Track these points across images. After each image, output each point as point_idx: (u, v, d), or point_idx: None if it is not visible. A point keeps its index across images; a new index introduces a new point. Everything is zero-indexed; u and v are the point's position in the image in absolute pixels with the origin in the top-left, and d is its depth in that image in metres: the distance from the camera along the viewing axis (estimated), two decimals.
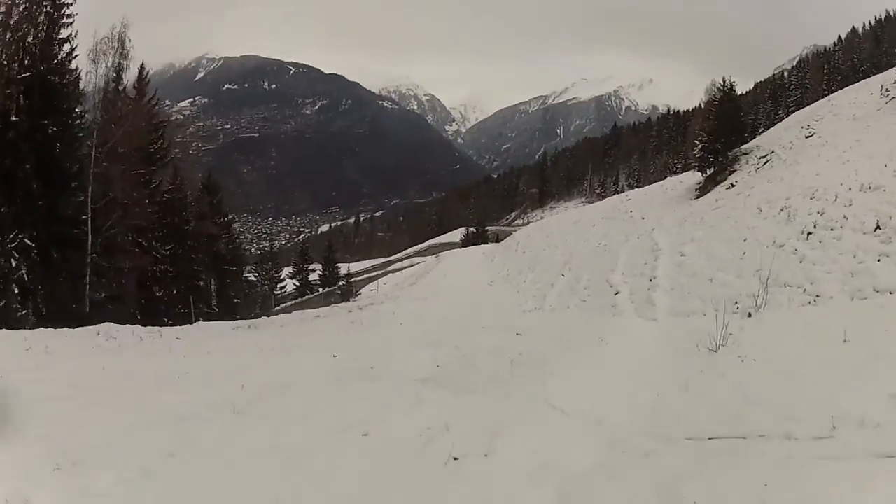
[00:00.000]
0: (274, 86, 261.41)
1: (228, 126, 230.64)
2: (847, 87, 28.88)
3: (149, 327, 10.43)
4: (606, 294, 11.52)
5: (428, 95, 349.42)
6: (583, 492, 3.38)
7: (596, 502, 3.28)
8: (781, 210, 11.34)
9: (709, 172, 23.79)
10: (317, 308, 18.36)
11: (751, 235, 10.91)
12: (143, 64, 19.62)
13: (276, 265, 37.78)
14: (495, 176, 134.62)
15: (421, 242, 60.82)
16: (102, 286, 14.99)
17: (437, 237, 61.74)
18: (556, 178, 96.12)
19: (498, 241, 36.66)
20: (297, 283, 38.18)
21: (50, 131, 14.18)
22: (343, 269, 39.96)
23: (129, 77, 18.44)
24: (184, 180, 21.63)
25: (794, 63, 74.61)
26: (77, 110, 15.69)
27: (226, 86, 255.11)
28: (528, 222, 59.92)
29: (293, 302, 33.05)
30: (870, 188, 10.00)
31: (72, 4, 15.28)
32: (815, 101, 33.02)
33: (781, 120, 36.37)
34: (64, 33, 15.27)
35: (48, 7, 15.03)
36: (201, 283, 21.36)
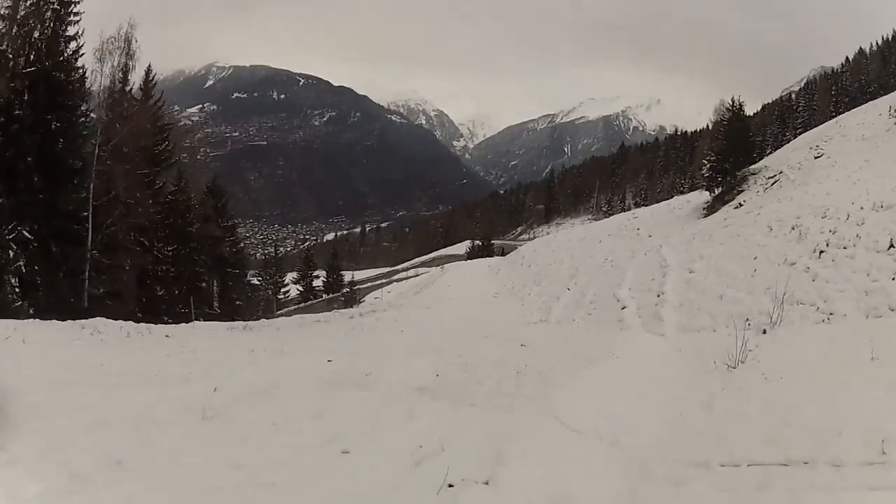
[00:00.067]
0: (283, 96, 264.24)
1: (237, 133, 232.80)
2: (855, 109, 28.86)
3: (140, 324, 10.17)
4: (613, 308, 11.32)
5: (436, 111, 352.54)
6: None
7: None
8: (792, 229, 11.17)
9: (717, 192, 23.68)
10: (319, 313, 18.12)
11: (761, 253, 10.72)
12: (149, 66, 19.81)
13: (280, 270, 37.67)
14: (502, 191, 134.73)
15: (426, 254, 60.74)
16: (102, 282, 14.84)
17: (443, 249, 61.72)
18: (563, 195, 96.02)
19: (503, 254, 36.52)
20: (300, 289, 38.08)
21: (53, 126, 14.11)
22: (347, 276, 39.84)
23: (136, 78, 18.61)
24: (189, 183, 21.58)
25: (802, 84, 74.73)
26: (82, 108, 15.64)
27: (235, 94, 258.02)
28: (534, 238, 59.72)
29: (296, 307, 32.89)
30: (882, 207, 9.94)
31: (79, 2, 15.33)
32: (822, 123, 32.98)
33: (789, 141, 36.29)
34: (70, 31, 15.26)
35: (55, 4, 15.07)
36: (203, 285, 21.21)
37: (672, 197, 41.71)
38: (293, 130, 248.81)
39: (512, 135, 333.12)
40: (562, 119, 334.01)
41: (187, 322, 13.91)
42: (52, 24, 14.86)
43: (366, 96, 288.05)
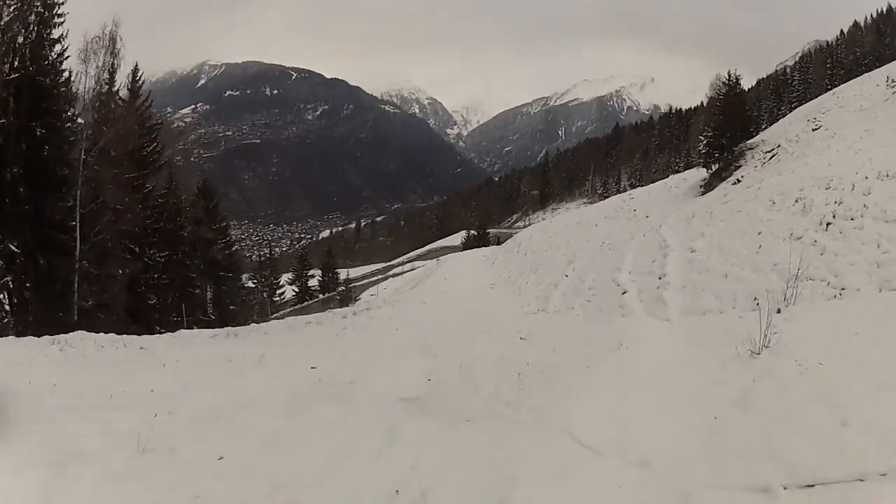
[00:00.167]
0: (275, 91, 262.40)
1: (230, 132, 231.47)
2: (851, 81, 28.45)
3: (118, 336, 9.65)
4: (613, 294, 11.00)
5: (430, 99, 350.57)
6: None
7: None
8: (796, 201, 10.81)
9: (714, 168, 23.36)
10: (313, 314, 17.87)
11: (765, 228, 10.36)
12: (136, 65, 19.25)
13: (275, 271, 37.41)
14: (496, 178, 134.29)
15: (422, 247, 60.56)
16: (91, 293, 14.52)
17: (439, 241, 61.48)
18: (558, 179, 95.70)
19: (499, 243, 36.27)
20: (296, 290, 37.82)
21: (38, 133, 13.74)
22: (343, 274, 39.59)
23: (123, 78, 18.10)
24: (179, 185, 21.17)
25: (797, 58, 74.26)
26: (68, 112, 15.26)
27: (227, 92, 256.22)
28: (530, 224, 59.42)
29: (291, 308, 32.68)
30: (887, 176, 9.65)
31: (63, 3, 14.90)
32: (818, 96, 32.53)
33: (785, 116, 35.88)
34: (55, 34, 14.86)
35: (39, 7, 14.63)
36: (196, 290, 20.87)
37: (668, 176, 41.36)
38: (286, 126, 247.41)
39: (506, 120, 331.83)
40: (555, 102, 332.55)
41: (180, 330, 13.64)
42: (36, 29, 14.44)
43: (359, 87, 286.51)
